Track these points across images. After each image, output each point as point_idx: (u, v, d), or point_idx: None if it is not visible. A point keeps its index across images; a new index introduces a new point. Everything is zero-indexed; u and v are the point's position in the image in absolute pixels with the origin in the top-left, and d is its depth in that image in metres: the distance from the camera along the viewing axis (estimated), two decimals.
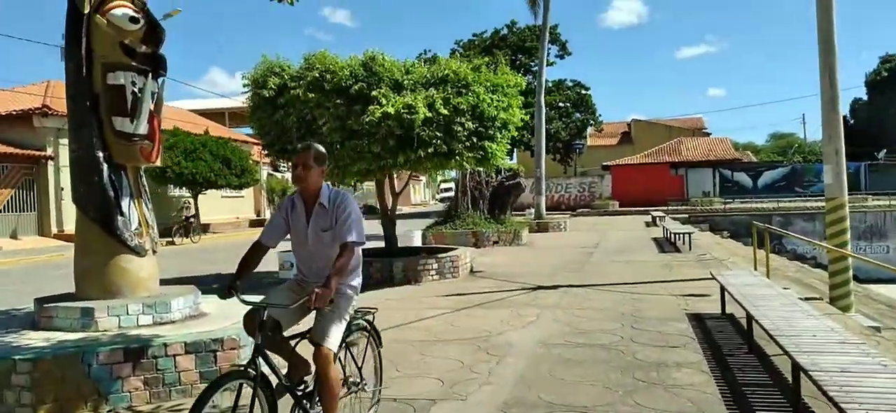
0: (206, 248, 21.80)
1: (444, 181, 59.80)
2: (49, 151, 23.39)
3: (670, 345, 6.18)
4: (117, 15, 5.94)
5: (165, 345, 4.89)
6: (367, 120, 9.83)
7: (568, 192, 41.34)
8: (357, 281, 3.88)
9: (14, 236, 22.07)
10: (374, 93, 9.93)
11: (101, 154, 5.86)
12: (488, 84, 10.94)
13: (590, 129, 50.24)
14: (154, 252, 6.25)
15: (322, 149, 3.84)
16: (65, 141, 23.90)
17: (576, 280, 10.84)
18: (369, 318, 4.25)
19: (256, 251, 3.82)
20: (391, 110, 9.71)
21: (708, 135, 56.46)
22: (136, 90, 5.96)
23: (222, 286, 3.59)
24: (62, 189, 23.55)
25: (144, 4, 6.23)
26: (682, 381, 5.04)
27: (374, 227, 14.04)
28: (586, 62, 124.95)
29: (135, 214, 6.03)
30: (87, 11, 5.85)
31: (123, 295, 5.79)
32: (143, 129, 6.01)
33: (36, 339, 5.13)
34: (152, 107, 6.30)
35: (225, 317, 5.97)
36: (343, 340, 3.75)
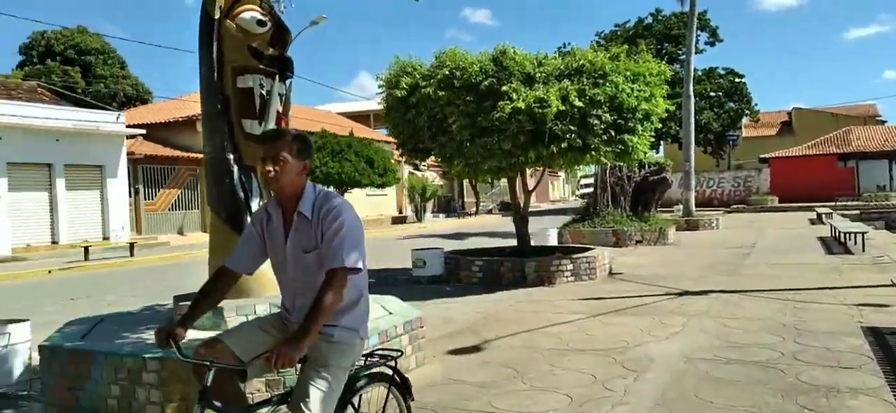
0: None
1: (585, 176, 58.34)
2: None
3: (842, 365, 5.30)
4: (245, 19, 6.03)
5: None
6: (496, 116, 9.52)
7: (721, 186, 38.68)
8: (359, 322, 2.92)
9: (181, 232, 24.06)
10: (504, 88, 9.59)
11: (231, 156, 5.98)
12: (628, 73, 10.24)
13: (745, 120, 46.73)
14: None
15: (306, 136, 2.88)
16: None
17: (728, 284, 9.86)
18: (392, 363, 3.13)
19: (221, 279, 3.02)
20: (522, 105, 9.32)
21: (883, 122, 50.64)
22: (263, 92, 6.02)
23: (161, 329, 2.66)
24: None
25: (272, 7, 6.30)
26: (859, 411, 4.25)
27: (507, 225, 13.67)
28: (740, 49, 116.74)
29: None
30: (217, 17, 5.99)
31: (252, 294, 5.87)
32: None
33: None
34: (280, 108, 6.38)
35: None
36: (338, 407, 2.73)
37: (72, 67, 37.34)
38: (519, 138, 9.64)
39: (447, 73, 10.10)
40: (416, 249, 11.60)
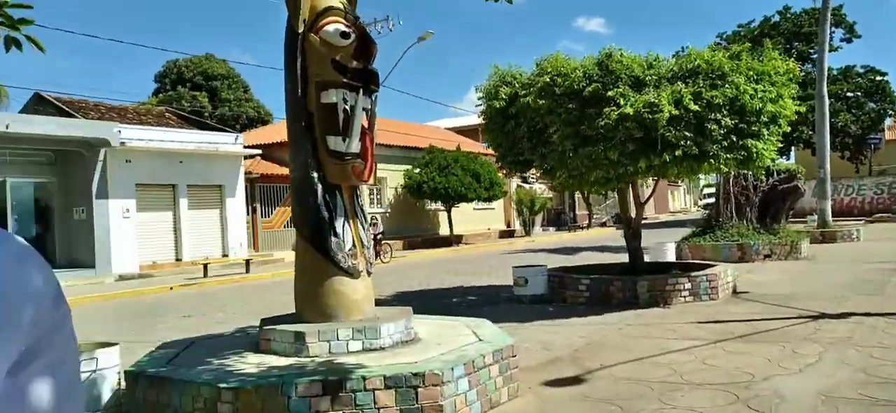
0: (409, 265, 22.29)
1: (708, 185, 55.23)
2: None
3: None
4: (329, 31, 5.82)
5: (364, 378, 4.51)
6: (602, 124, 8.86)
7: (861, 194, 35.26)
8: None
9: (295, 249, 24.74)
10: (610, 93, 8.93)
11: (315, 174, 5.78)
12: (751, 73, 9.28)
13: (888, 121, 42.50)
14: (369, 274, 6.03)
15: None
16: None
17: (873, 306, 8.64)
18: None
19: None
20: (630, 111, 8.62)
21: None
22: (347, 107, 5.79)
23: None
24: None
25: (357, 19, 6.07)
26: None
27: (621, 239, 12.84)
28: (881, 45, 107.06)
29: (349, 235, 5.85)
30: (301, 31, 5.83)
31: (337, 317, 5.63)
32: (354, 147, 5.81)
33: (250, 364, 5.12)
34: (365, 123, 6.13)
35: (437, 343, 5.52)
36: None
37: (200, 92, 39.82)
38: (627, 147, 8.93)
39: (548, 80, 9.56)
40: (518, 267, 11.07)
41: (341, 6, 5.97)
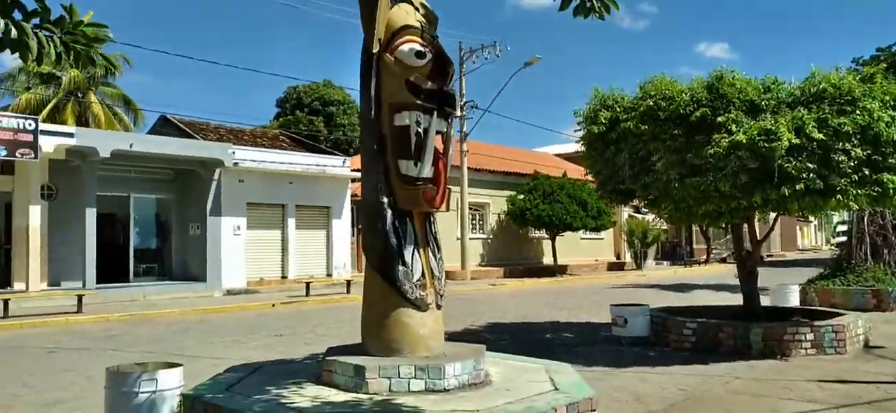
0: (507, 294, 21.48)
1: (841, 222, 50.79)
2: None
3: None
4: (404, 51, 5.56)
5: None
6: (711, 152, 8.06)
7: None
8: None
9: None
10: (720, 118, 8.13)
11: (385, 199, 5.50)
12: (887, 98, 8.17)
13: None
14: (438, 307, 5.65)
15: None
16: None
17: None
18: None
19: None
20: (743, 138, 7.77)
21: None
22: (419, 130, 5.48)
23: None
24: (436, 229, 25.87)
25: (434, 38, 5.77)
26: None
27: (730, 277, 11.74)
28: None
29: (419, 264, 5.51)
30: (376, 51, 5.60)
31: (401, 352, 5.28)
32: (427, 171, 5.48)
33: (306, 396, 4.86)
34: (440, 147, 5.80)
35: (507, 388, 5.04)
36: None
37: (317, 117, 41.35)
38: (739, 178, 8.06)
39: (651, 103, 8.87)
40: (617, 305, 10.32)
41: (418, 25, 5.70)
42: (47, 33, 4.09)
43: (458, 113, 6.75)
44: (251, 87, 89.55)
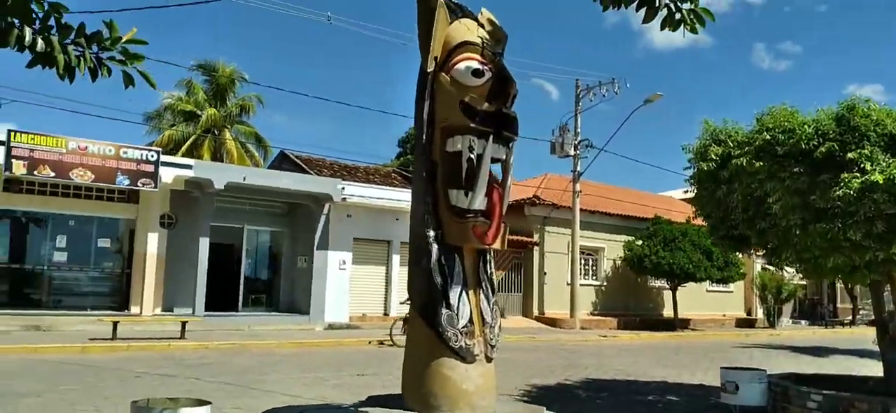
0: (616, 347, 19.74)
1: None
2: (535, 238, 25.11)
3: None
4: (460, 69, 5.01)
5: None
6: (838, 193, 6.84)
7: None
8: None
9: (502, 314, 24.07)
10: (850, 155, 6.90)
11: (432, 233, 4.92)
12: None
13: None
14: (489, 359, 4.95)
15: None
16: (550, 228, 25.49)
17: None
18: None
19: None
20: (879, 178, 6.53)
21: None
22: (473, 155, 4.88)
23: None
24: (545, 273, 24.93)
25: (497, 55, 5.18)
26: None
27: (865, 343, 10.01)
28: None
29: (467, 308, 4.86)
30: (430, 70, 5.09)
31: (440, 408, 4.63)
32: (478, 203, 4.86)
33: None
34: (499, 179, 5.16)
35: None
36: None
37: None
38: (875, 226, 6.78)
39: (768, 137, 7.75)
40: (728, 368, 9.03)
41: (479, 41, 5.13)
42: (78, 49, 3.97)
43: (517, 138, 5.98)
44: (375, 127, 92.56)
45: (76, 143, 15.18)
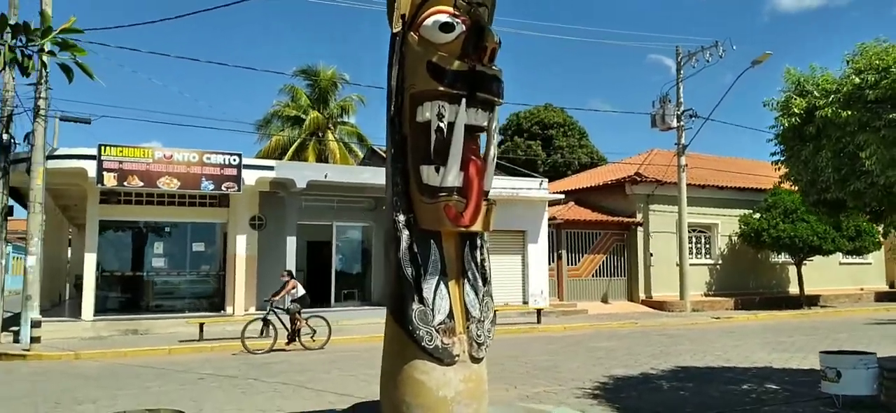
0: (726, 330, 17.75)
1: None
2: (638, 218, 23.60)
3: None
4: (427, 25, 4.33)
5: None
6: None
7: None
8: None
9: (604, 300, 22.85)
10: None
11: (401, 218, 4.28)
12: None
13: None
14: (475, 359, 4.26)
15: None
16: (655, 206, 23.87)
17: None
18: None
19: None
20: None
21: None
22: (442, 125, 4.19)
23: None
24: (651, 254, 23.38)
25: (473, 6, 4.44)
26: None
27: None
28: None
29: (445, 302, 4.20)
30: (397, 30, 4.45)
31: None
32: (452, 179, 4.17)
33: None
34: (482, 151, 4.44)
35: None
36: None
37: (535, 142, 40.59)
38: None
39: (857, 81, 6.44)
40: (827, 352, 7.69)
41: None
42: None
43: (501, 101, 5.10)
44: None
45: (162, 152, 15.75)
